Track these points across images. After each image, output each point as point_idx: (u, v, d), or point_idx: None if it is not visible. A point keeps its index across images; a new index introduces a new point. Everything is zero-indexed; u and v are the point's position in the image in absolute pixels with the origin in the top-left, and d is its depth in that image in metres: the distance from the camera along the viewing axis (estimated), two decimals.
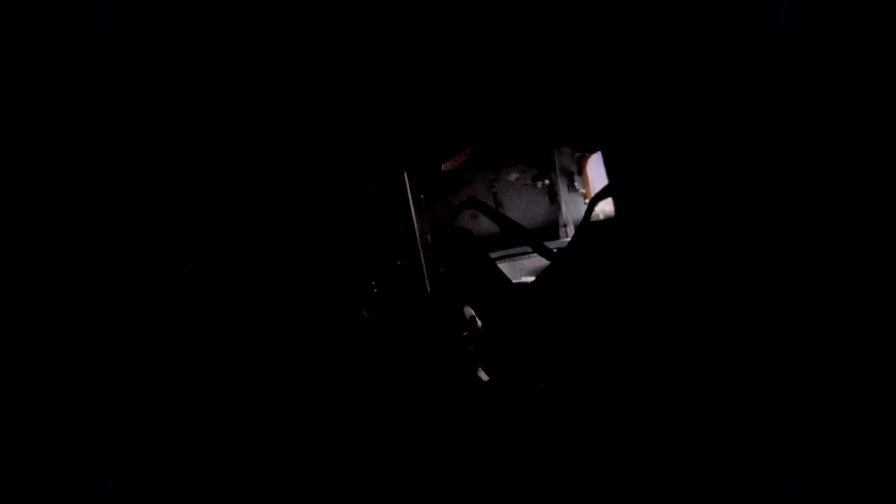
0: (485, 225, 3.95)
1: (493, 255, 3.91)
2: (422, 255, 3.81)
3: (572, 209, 3.91)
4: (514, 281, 3.94)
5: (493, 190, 3.87)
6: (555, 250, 3.77)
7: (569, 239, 3.98)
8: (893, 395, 1.75)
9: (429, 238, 4.03)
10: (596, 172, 3.77)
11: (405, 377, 3.27)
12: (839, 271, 1.80)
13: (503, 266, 3.83)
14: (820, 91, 1.74)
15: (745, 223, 1.98)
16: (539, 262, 3.79)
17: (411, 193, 3.78)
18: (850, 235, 1.77)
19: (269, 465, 2.61)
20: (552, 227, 3.92)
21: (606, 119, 2.77)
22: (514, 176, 3.87)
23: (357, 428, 2.85)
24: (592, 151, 3.75)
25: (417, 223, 3.79)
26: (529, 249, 3.92)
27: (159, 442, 2.51)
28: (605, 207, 3.72)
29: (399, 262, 3.80)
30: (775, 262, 1.91)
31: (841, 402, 1.84)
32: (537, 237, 3.91)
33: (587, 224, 3.25)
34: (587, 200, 3.94)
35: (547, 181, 3.85)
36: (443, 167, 3.93)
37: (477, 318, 3.72)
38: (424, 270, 3.83)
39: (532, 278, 3.74)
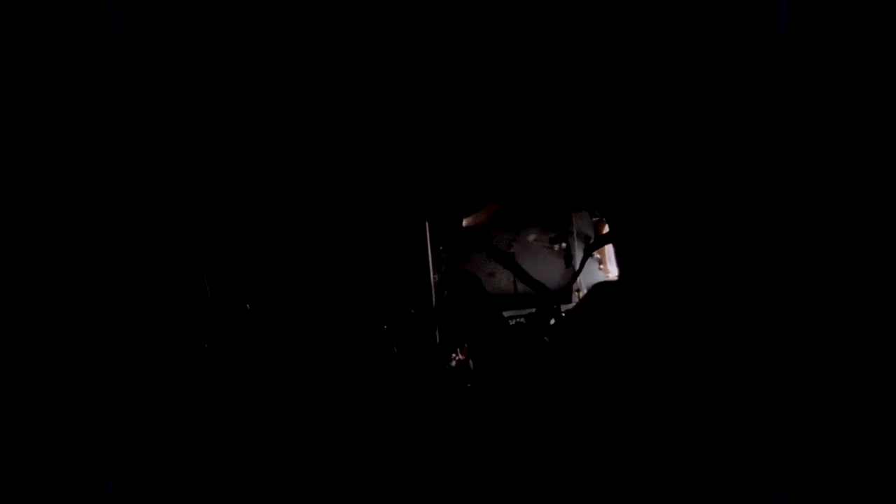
0: (500, 284, 4.00)
1: (507, 314, 3.94)
2: (434, 306, 3.85)
3: (587, 274, 3.96)
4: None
5: (511, 249, 3.96)
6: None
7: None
8: (893, 395, 1.72)
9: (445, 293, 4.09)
10: None
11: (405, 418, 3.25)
12: (839, 272, 1.82)
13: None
14: (822, 99, 1.83)
15: (738, 218, 2.03)
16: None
17: (431, 245, 3.88)
18: (850, 237, 1.81)
19: (269, 468, 2.57)
20: (565, 291, 3.96)
21: (610, 175, 2.89)
22: (532, 237, 3.97)
23: (354, 446, 2.82)
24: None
25: (434, 274, 3.86)
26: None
27: (159, 442, 2.47)
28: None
29: (412, 311, 3.83)
30: (773, 267, 1.94)
31: (841, 402, 1.80)
32: (550, 299, 3.94)
33: (598, 284, 3.31)
34: (602, 266, 4.00)
35: (564, 244, 3.94)
36: (464, 223, 4.06)
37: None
38: (436, 321, 3.84)
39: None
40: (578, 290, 3.94)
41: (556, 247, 3.95)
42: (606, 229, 3.99)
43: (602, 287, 3.38)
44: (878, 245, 1.79)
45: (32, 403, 2.19)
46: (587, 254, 3.54)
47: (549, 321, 3.86)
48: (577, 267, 3.93)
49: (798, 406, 1.89)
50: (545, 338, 3.49)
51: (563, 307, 3.84)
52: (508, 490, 2.43)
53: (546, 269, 3.96)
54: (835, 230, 1.86)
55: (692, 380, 2.16)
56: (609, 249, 3.94)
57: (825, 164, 1.86)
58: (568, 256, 3.94)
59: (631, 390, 2.34)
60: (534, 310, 3.96)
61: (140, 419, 2.41)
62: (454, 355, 3.81)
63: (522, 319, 3.98)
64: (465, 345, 3.91)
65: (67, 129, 2.26)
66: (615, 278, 3.93)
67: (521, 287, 3.95)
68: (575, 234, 3.93)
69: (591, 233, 3.99)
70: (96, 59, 2.28)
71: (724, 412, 2.06)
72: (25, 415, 2.18)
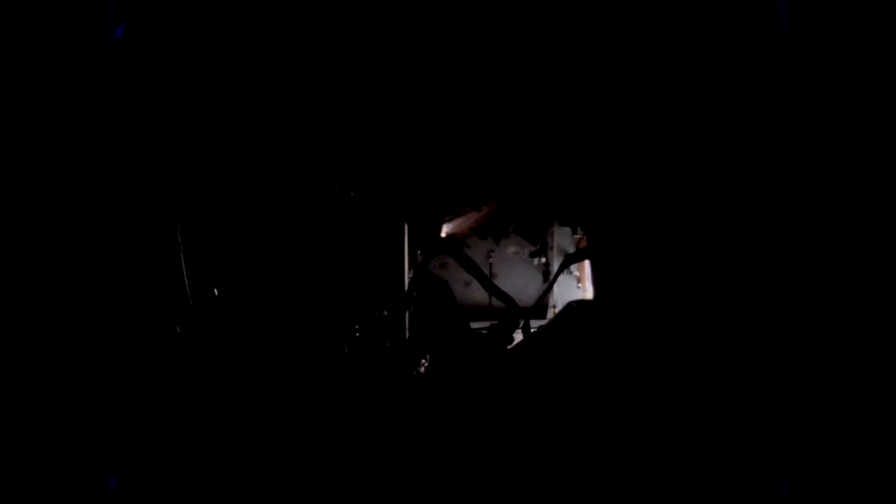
0: (475, 295, 3.95)
1: (477, 325, 3.88)
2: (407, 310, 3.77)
3: (564, 291, 3.94)
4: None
5: (490, 260, 3.93)
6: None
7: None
8: (893, 395, 1.73)
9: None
10: None
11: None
12: (839, 272, 1.83)
13: None
14: (823, 97, 1.84)
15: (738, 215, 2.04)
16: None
17: (408, 248, 3.82)
18: (851, 236, 1.82)
19: (269, 466, 2.49)
20: (539, 305, 3.92)
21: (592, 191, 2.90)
22: (511, 249, 3.94)
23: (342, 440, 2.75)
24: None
25: (409, 277, 3.79)
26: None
27: (160, 441, 2.43)
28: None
29: (385, 313, 3.74)
30: (774, 267, 1.94)
31: (841, 402, 1.80)
32: (524, 314, 3.91)
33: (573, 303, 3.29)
34: (580, 285, 3.99)
35: (543, 259, 3.92)
36: (445, 230, 4.01)
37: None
38: (407, 325, 3.77)
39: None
40: (555, 307, 3.91)
41: (536, 261, 3.93)
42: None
43: (575, 306, 3.36)
44: (879, 243, 1.80)
45: (33, 401, 2.13)
46: (562, 267, 3.52)
47: (511, 335, 3.81)
48: (553, 285, 3.91)
49: (798, 406, 1.88)
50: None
51: (537, 323, 3.81)
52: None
53: (523, 283, 3.92)
54: (834, 234, 1.87)
55: (691, 379, 2.15)
56: (587, 266, 3.95)
57: (823, 175, 1.87)
58: (546, 272, 3.93)
59: (629, 388, 2.31)
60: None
61: (141, 417, 2.36)
62: (423, 360, 3.72)
63: (485, 331, 3.94)
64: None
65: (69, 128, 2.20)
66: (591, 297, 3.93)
67: (496, 299, 3.90)
68: (555, 250, 3.92)
69: (571, 249, 3.98)
70: (96, 61, 2.25)
71: (723, 411, 2.05)
72: (26, 413, 2.12)
